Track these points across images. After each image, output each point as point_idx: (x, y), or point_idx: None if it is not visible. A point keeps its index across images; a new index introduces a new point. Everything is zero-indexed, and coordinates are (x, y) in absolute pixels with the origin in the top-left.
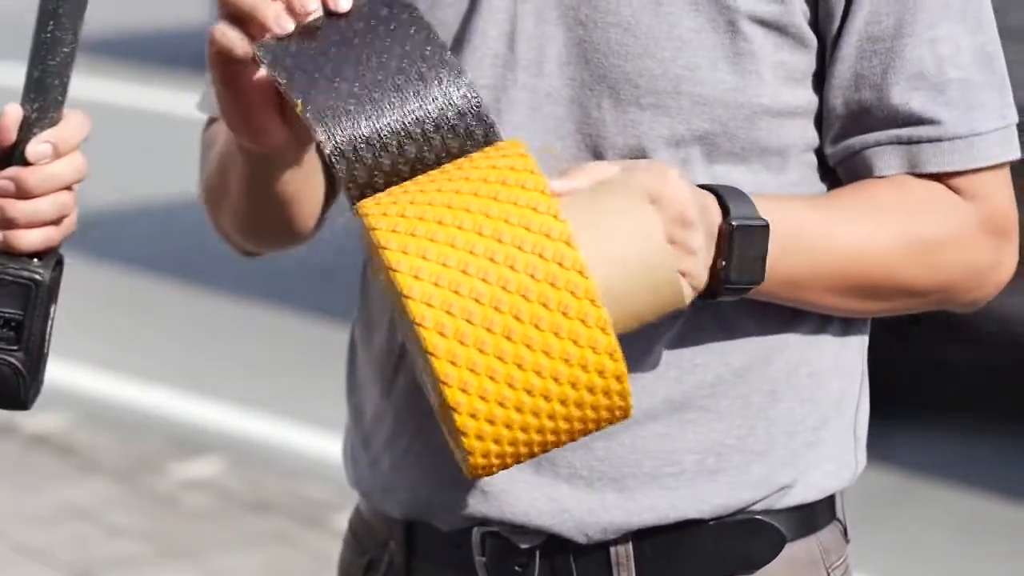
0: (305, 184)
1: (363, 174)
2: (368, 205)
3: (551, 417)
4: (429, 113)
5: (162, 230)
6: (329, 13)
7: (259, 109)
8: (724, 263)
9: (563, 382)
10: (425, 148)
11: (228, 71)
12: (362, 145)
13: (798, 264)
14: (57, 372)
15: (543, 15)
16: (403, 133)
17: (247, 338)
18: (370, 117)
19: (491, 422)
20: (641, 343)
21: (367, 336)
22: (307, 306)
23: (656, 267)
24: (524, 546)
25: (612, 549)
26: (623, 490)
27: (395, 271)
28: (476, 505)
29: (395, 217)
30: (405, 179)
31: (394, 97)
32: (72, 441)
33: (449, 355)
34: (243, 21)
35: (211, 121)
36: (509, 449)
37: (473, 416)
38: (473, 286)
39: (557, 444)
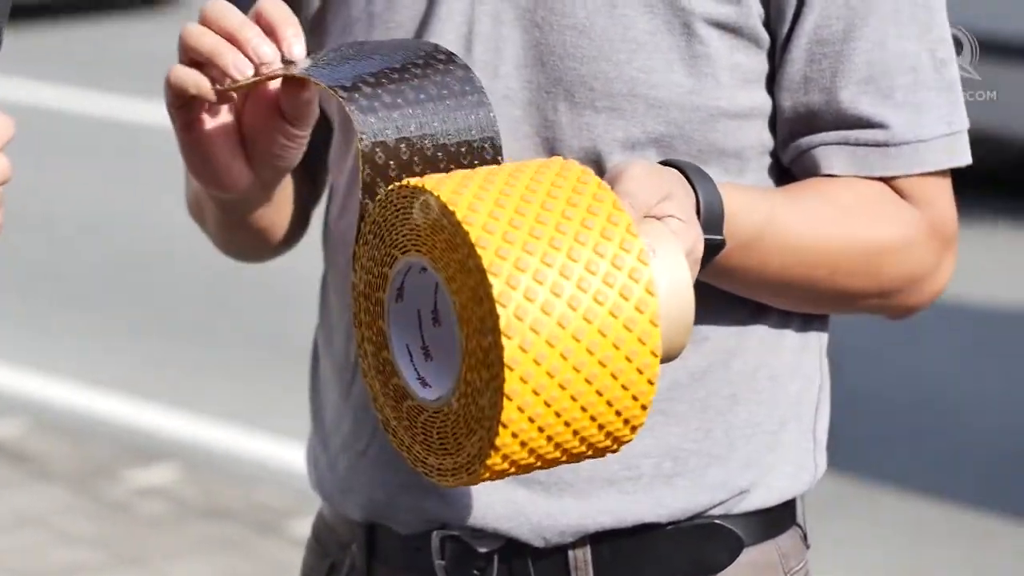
0: (277, 214)
1: (383, 157)
2: (462, 209)
3: (564, 452)
4: (454, 124)
5: (116, 235)
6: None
7: (219, 154)
8: None
9: (597, 421)
10: (440, 155)
11: (185, 114)
12: (391, 129)
13: (744, 260)
14: (10, 379)
15: (500, 18)
16: (427, 134)
17: (201, 345)
18: (400, 108)
19: (524, 444)
20: None
21: (327, 340)
22: (261, 313)
23: (686, 325)
24: (482, 550)
25: (570, 553)
26: (580, 494)
27: (501, 304)
28: (434, 508)
29: (500, 239)
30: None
31: (425, 101)
32: (25, 448)
33: (521, 341)
34: (202, 67)
35: None
36: (511, 471)
37: (520, 410)
38: (556, 280)
39: (555, 463)
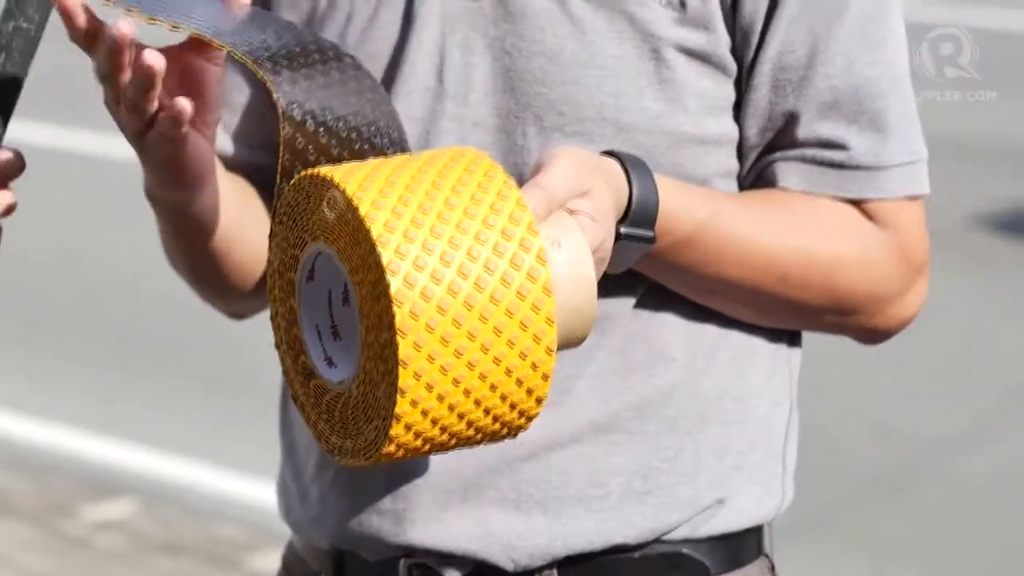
0: (240, 235)
1: (302, 141)
2: (365, 205)
3: (469, 424)
4: (361, 107)
5: (72, 269)
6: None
7: (195, 153)
8: None
9: (498, 391)
10: (354, 135)
11: (164, 143)
12: (309, 112)
13: (684, 257)
14: None
15: (470, 45)
16: (341, 116)
17: (160, 380)
18: (321, 96)
19: (425, 414)
20: (568, 364)
21: None
22: (220, 348)
23: (588, 316)
24: None
25: None
26: (549, 512)
27: (397, 303)
28: (402, 533)
29: (401, 236)
30: (332, 157)
31: (333, 85)
32: None
33: (416, 338)
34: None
35: None
36: (416, 445)
37: (413, 404)
38: (454, 279)
39: (445, 451)
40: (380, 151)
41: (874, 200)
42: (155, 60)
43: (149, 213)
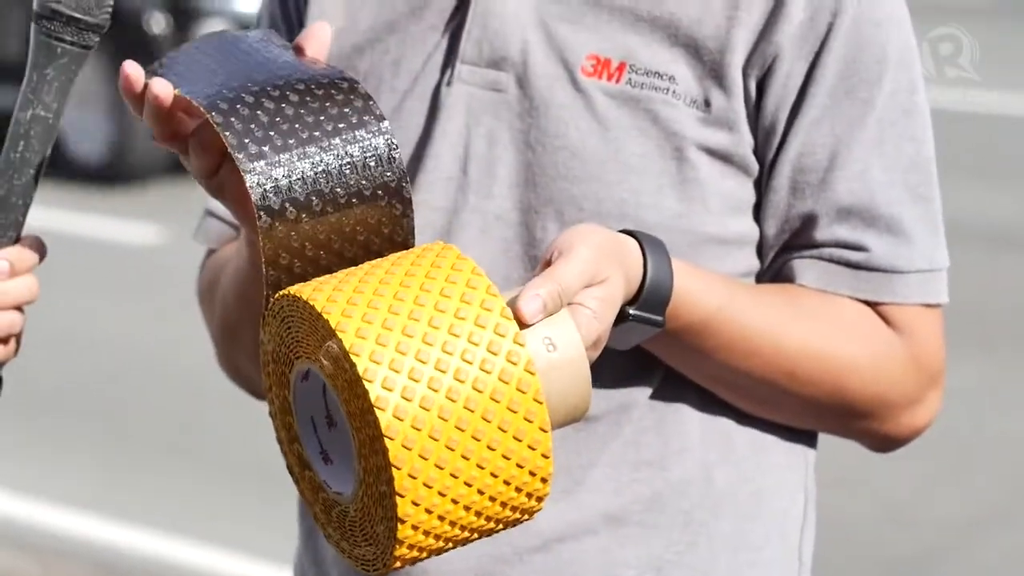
0: None
1: (283, 230)
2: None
3: (478, 513)
4: (354, 184)
5: (84, 353)
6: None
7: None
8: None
9: (500, 477)
10: (344, 218)
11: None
12: (287, 198)
13: (695, 342)
14: None
15: (495, 138)
16: (328, 196)
17: (173, 464)
18: (299, 173)
19: (429, 512)
20: (583, 454)
21: None
22: (234, 432)
23: (582, 410)
24: None
25: None
26: None
27: (362, 371)
28: None
29: (359, 320)
30: (320, 241)
31: (320, 139)
32: None
33: (404, 440)
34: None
35: (208, 255)
36: (431, 543)
37: (416, 504)
38: (432, 375)
39: (466, 542)
40: (361, 212)
41: (890, 304)
42: (162, 90)
43: (154, 296)
